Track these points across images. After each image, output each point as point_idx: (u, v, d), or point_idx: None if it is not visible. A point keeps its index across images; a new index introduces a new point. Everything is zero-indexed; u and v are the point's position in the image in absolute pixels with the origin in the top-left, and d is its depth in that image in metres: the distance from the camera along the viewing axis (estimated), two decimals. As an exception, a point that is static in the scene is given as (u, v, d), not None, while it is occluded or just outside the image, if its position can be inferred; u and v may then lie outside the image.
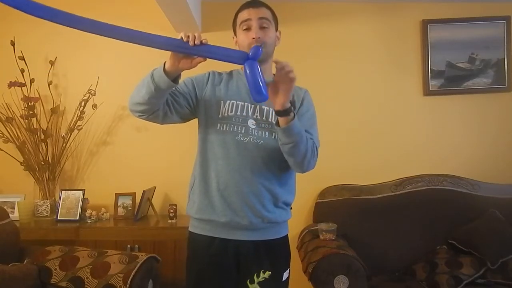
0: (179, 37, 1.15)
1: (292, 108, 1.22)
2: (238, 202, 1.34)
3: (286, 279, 1.44)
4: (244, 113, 1.37)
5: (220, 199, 1.35)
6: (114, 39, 1.14)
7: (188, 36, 1.14)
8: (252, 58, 1.15)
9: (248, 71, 1.14)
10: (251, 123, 1.36)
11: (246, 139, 1.36)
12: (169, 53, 1.18)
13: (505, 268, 2.11)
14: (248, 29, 1.37)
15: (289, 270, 1.46)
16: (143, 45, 1.14)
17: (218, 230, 1.38)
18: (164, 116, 1.33)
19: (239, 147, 1.35)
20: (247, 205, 1.34)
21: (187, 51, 1.15)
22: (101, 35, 1.12)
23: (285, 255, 1.46)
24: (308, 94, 1.49)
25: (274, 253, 1.41)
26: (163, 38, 1.14)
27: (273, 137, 1.36)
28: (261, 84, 1.12)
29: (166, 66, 1.20)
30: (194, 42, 1.13)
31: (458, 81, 2.72)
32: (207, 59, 1.18)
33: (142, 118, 1.33)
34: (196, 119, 1.45)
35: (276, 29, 1.43)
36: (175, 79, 1.23)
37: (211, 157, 1.38)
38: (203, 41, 1.14)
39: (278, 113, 1.22)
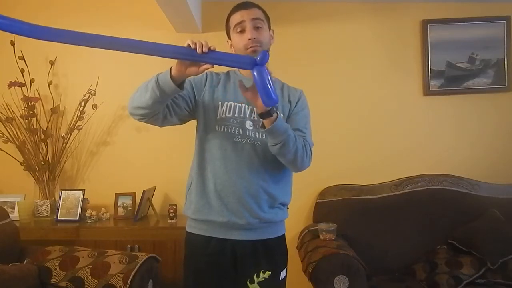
0: (185, 44, 1.15)
1: (274, 108, 1.22)
2: (235, 203, 1.34)
3: (283, 278, 1.44)
4: (242, 115, 1.37)
5: (217, 200, 1.35)
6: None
7: (196, 44, 1.14)
8: (260, 63, 1.16)
9: (257, 76, 1.15)
10: (248, 124, 1.37)
11: (243, 141, 1.36)
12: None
13: (505, 268, 2.11)
14: (242, 31, 1.37)
15: (286, 269, 1.46)
16: (152, 55, 1.15)
17: (215, 230, 1.38)
18: (164, 119, 1.33)
19: (236, 149, 1.36)
20: (244, 206, 1.34)
21: (195, 58, 1.15)
22: (110, 49, 1.12)
23: (282, 254, 1.46)
24: (303, 94, 1.49)
25: (271, 252, 1.41)
26: (171, 47, 1.15)
27: None
28: (270, 88, 1.14)
29: (173, 72, 1.19)
30: (202, 50, 1.13)
31: (458, 81, 2.73)
32: (214, 65, 1.19)
33: (142, 121, 1.33)
34: (194, 119, 1.45)
35: (269, 28, 1.44)
36: (180, 84, 1.22)
37: (208, 158, 1.38)
38: (211, 48, 1.15)
39: (261, 115, 1.23)
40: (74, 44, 1.10)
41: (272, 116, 1.22)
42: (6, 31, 1.04)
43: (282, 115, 1.40)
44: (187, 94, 1.38)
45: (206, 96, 1.41)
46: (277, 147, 1.26)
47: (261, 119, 1.25)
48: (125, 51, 1.13)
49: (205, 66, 1.18)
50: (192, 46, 1.14)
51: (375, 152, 2.72)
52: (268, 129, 1.23)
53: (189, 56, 1.15)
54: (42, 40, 1.07)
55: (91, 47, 1.11)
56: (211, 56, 1.15)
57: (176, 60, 1.18)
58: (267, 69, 1.17)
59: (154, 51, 1.14)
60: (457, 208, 2.47)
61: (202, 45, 1.13)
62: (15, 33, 1.05)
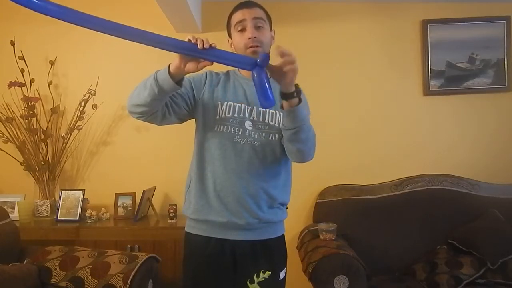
0: (186, 40, 1.14)
1: (295, 93, 1.19)
2: (234, 203, 1.34)
3: (283, 278, 1.43)
4: (241, 115, 1.37)
5: (217, 200, 1.35)
6: (118, 38, 1.13)
7: (197, 39, 1.13)
8: (261, 65, 1.16)
9: (256, 78, 1.15)
10: (248, 124, 1.36)
11: (243, 141, 1.35)
12: (168, 54, 1.17)
13: (505, 268, 2.11)
14: (243, 30, 1.36)
15: (286, 269, 1.46)
16: (152, 46, 1.14)
17: (214, 230, 1.38)
18: (163, 118, 1.33)
19: (236, 149, 1.35)
20: (243, 206, 1.34)
21: (196, 54, 1.15)
22: (111, 35, 1.12)
23: (281, 254, 1.46)
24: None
25: (271, 252, 1.40)
26: (173, 40, 1.14)
27: (270, 138, 1.37)
28: (268, 90, 1.14)
29: (171, 68, 1.19)
30: (203, 46, 1.13)
31: (458, 81, 2.73)
32: (214, 63, 1.18)
33: (140, 119, 1.32)
34: (193, 119, 1.45)
35: (271, 29, 1.43)
36: (178, 81, 1.22)
37: (208, 158, 1.38)
38: (212, 45, 1.14)
39: (282, 95, 1.21)
40: (74, 24, 1.11)
41: (292, 99, 1.19)
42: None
43: (282, 113, 1.40)
44: (186, 93, 1.38)
45: (205, 95, 1.41)
46: (290, 132, 1.25)
47: (282, 99, 1.22)
48: (125, 39, 1.12)
49: (204, 63, 1.17)
50: (193, 41, 1.13)
51: (375, 152, 2.72)
52: (285, 110, 1.22)
53: (190, 52, 1.14)
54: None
55: (92, 30, 1.11)
56: (212, 53, 1.15)
57: (176, 56, 1.18)
58: (267, 72, 1.16)
59: (155, 43, 1.13)
60: (457, 208, 2.48)
61: (203, 41, 1.13)
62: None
